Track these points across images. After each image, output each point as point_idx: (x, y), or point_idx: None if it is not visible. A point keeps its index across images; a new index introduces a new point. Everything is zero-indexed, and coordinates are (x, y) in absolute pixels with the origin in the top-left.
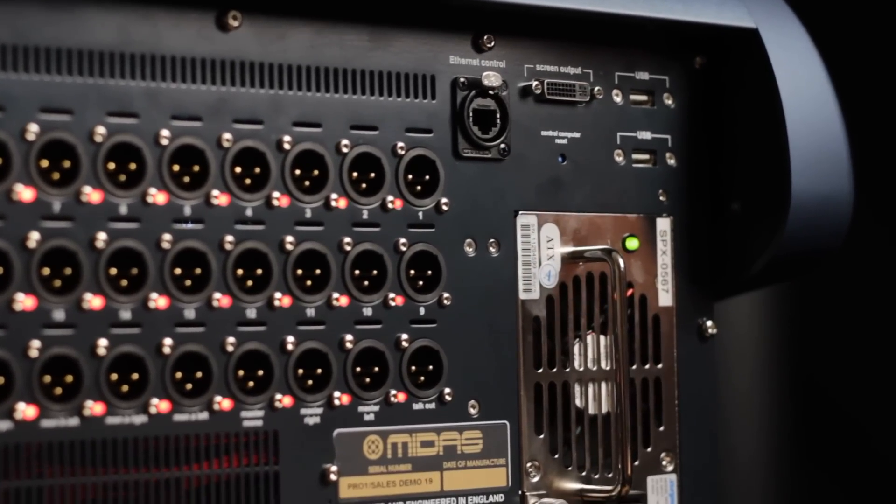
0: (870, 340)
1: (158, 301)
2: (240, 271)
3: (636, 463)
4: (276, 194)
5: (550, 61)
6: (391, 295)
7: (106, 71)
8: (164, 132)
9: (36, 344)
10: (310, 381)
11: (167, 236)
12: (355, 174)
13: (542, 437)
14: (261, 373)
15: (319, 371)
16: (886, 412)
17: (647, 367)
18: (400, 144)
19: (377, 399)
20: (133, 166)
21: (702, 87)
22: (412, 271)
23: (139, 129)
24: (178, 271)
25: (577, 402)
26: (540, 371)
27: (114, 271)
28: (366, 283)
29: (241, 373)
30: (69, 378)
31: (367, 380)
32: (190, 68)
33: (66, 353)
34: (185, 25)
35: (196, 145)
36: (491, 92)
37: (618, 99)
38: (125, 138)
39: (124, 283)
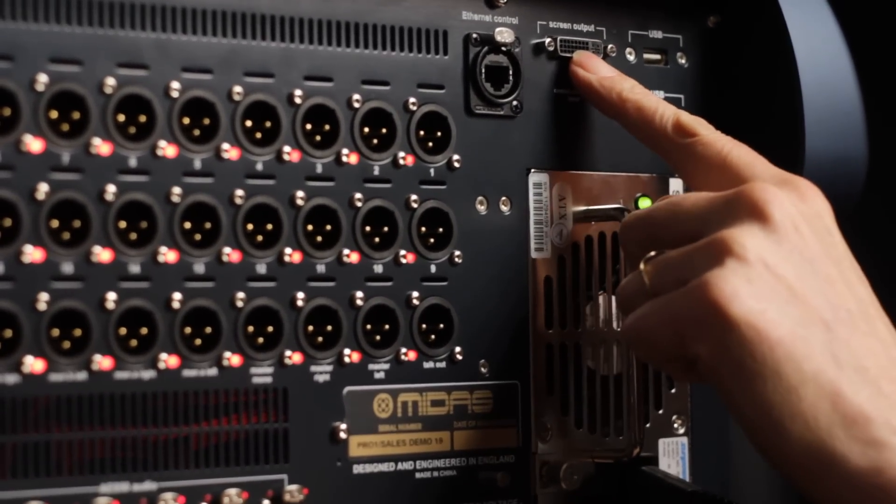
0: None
1: (168, 255)
2: (250, 226)
3: (647, 425)
4: (286, 149)
5: (563, 18)
6: (402, 252)
7: (116, 21)
8: (175, 84)
9: (44, 297)
10: (320, 338)
11: (177, 190)
12: (366, 129)
13: (552, 397)
14: (270, 329)
15: (330, 328)
16: None
17: None
18: (412, 100)
19: (387, 357)
20: (143, 118)
21: (715, 46)
22: (423, 228)
23: (149, 80)
24: (187, 225)
25: (589, 362)
26: (551, 331)
27: (123, 224)
28: (376, 239)
29: (250, 329)
30: (77, 332)
31: (378, 338)
32: (201, 20)
33: (75, 307)
34: None
35: (206, 98)
36: (504, 48)
37: (631, 57)
38: (135, 90)
39: (133, 236)
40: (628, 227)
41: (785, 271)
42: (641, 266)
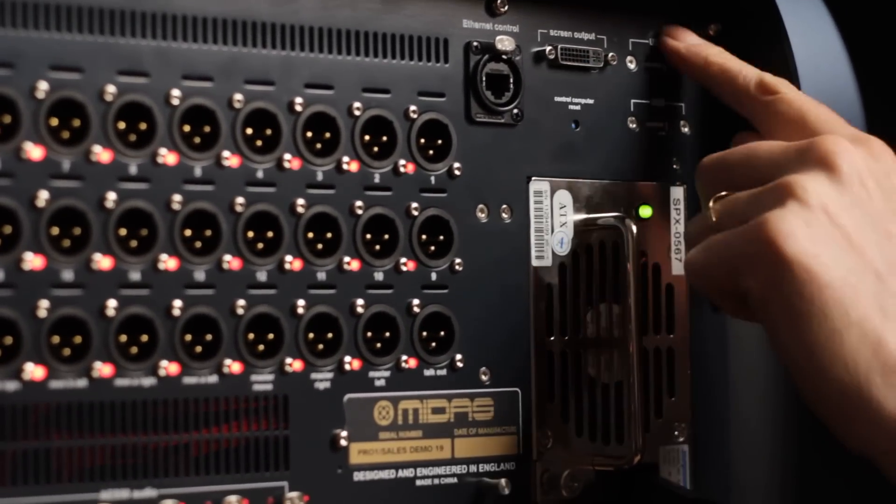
0: None
1: (168, 262)
2: (250, 234)
3: (648, 433)
4: (287, 156)
5: (564, 26)
6: (403, 260)
7: (116, 29)
8: (175, 92)
9: (44, 304)
10: (320, 346)
11: (177, 197)
12: (367, 137)
13: (553, 405)
14: (271, 336)
15: (330, 335)
16: None
17: (659, 336)
18: (412, 108)
19: (388, 364)
20: (143, 126)
21: None
22: (424, 236)
23: (149, 88)
24: (188, 233)
25: (589, 370)
26: (552, 339)
27: (123, 232)
28: (377, 247)
29: (251, 336)
30: (78, 339)
31: (378, 345)
32: (201, 28)
33: (75, 314)
34: None
35: (207, 106)
36: (504, 56)
37: (632, 65)
38: (135, 98)
39: (134, 243)
40: (704, 168)
41: (845, 221)
42: (710, 204)
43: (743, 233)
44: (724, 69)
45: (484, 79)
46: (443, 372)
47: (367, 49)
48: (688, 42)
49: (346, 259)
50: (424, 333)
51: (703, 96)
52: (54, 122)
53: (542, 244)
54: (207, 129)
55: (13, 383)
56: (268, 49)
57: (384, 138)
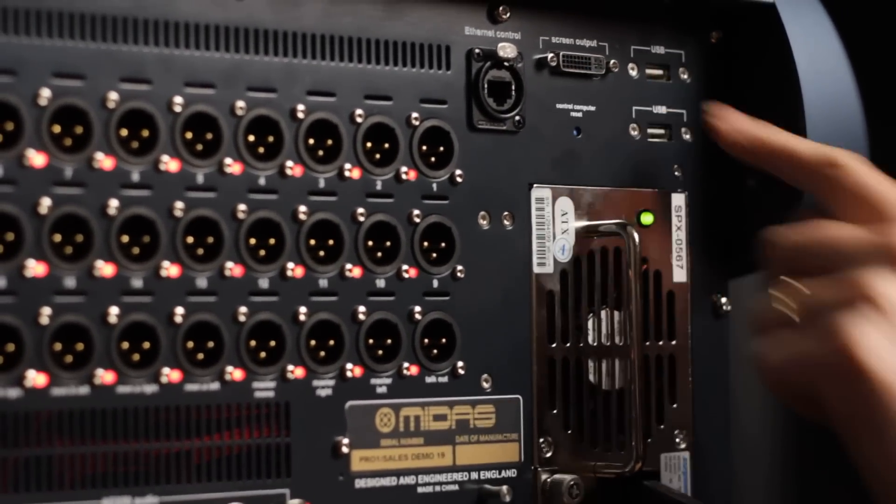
0: None
1: (170, 269)
2: (252, 241)
3: (649, 440)
4: (289, 163)
5: (566, 33)
6: (404, 267)
7: (119, 36)
8: (178, 99)
9: (47, 311)
10: (322, 353)
11: (179, 204)
12: (369, 144)
13: (555, 412)
14: (273, 343)
15: (332, 342)
16: None
17: (660, 343)
18: (414, 115)
19: (390, 372)
20: (146, 133)
21: (718, 62)
22: (426, 243)
23: (152, 95)
24: (190, 240)
25: (591, 377)
26: (553, 346)
27: (126, 239)
28: (379, 254)
29: (252, 343)
30: (80, 346)
31: (380, 352)
32: (204, 35)
33: (77, 321)
34: None
35: (209, 113)
36: (506, 63)
37: (633, 73)
38: (138, 104)
39: (136, 250)
40: (775, 246)
41: None
42: (779, 292)
43: (820, 342)
44: (781, 147)
45: (486, 86)
46: (444, 379)
47: (369, 56)
48: (737, 124)
49: (348, 266)
50: (426, 340)
51: (705, 104)
52: (57, 129)
53: (544, 251)
54: (210, 136)
55: (15, 390)
56: (270, 56)
57: (386, 145)
